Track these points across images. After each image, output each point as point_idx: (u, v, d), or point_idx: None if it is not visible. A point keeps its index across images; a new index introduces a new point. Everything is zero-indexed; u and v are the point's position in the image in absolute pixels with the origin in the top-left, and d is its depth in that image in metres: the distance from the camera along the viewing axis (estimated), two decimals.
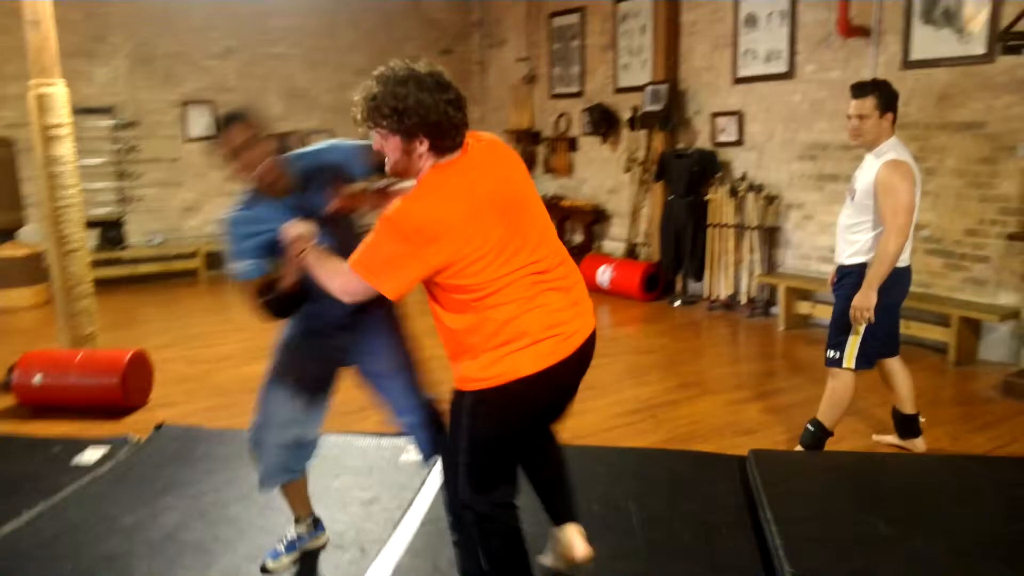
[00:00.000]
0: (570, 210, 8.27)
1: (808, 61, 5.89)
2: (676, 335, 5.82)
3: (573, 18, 8.24)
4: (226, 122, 2.27)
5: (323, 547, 2.81)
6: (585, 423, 4.02)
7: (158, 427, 3.93)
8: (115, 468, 3.49)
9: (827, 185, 5.84)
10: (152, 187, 8.39)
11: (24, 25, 4.60)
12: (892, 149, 3.22)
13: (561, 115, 8.48)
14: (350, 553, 2.78)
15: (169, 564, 2.74)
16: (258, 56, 8.83)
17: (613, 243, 7.92)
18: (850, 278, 3.31)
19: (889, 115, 3.23)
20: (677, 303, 6.67)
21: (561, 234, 8.40)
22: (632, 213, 7.50)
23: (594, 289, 7.02)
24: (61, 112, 4.66)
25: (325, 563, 2.74)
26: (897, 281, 3.26)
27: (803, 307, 5.80)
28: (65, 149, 4.69)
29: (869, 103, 3.21)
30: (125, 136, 8.19)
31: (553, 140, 8.60)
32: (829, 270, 5.78)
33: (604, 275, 7.02)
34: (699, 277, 6.68)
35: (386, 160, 2.01)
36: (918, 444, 3.57)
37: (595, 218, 8.03)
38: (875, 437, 3.74)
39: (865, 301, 3.18)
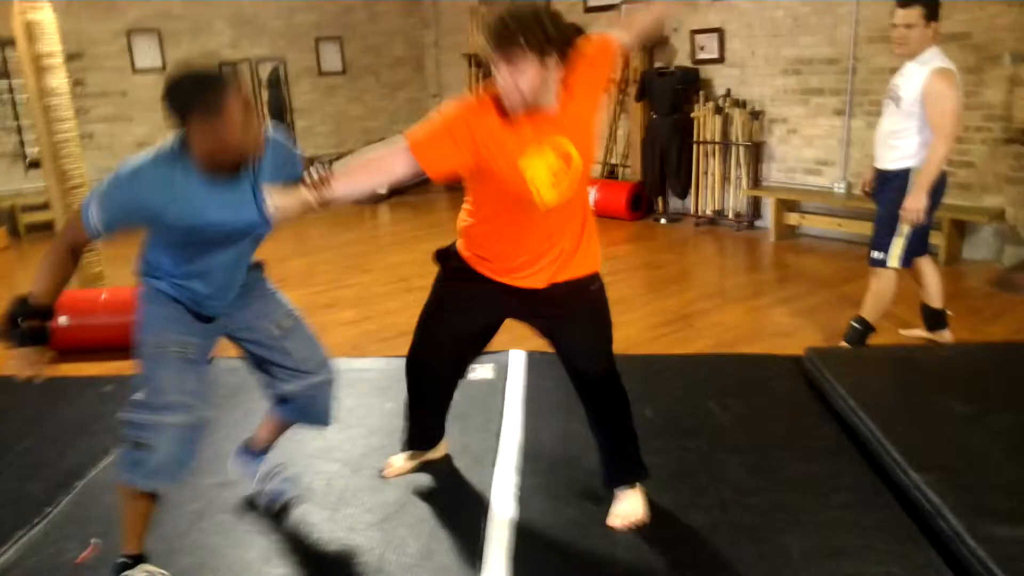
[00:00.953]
0: None
1: None
2: (675, 250, 6.02)
3: None
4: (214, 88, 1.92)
5: (441, 458, 2.87)
6: (626, 335, 4.17)
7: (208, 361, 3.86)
8: None
9: (812, 99, 6.05)
10: (101, 123, 7.94)
11: None
12: (936, 57, 3.38)
13: None
14: (465, 461, 2.87)
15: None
16: None
17: None
18: (895, 182, 3.51)
19: (933, 24, 3.38)
20: (663, 221, 6.85)
21: None
22: (608, 134, 7.57)
23: None
24: (51, 39, 4.37)
25: (447, 471, 2.81)
26: (939, 185, 3.48)
27: (792, 218, 6.07)
28: (59, 79, 4.42)
29: (915, 12, 3.35)
30: (70, 69, 7.65)
31: None
32: (816, 182, 6.11)
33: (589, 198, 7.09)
34: (684, 195, 6.85)
35: (512, 88, 2.01)
36: (946, 335, 3.87)
37: None
38: (902, 331, 4.02)
39: (917, 203, 3.39)
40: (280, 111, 8.96)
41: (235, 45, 8.65)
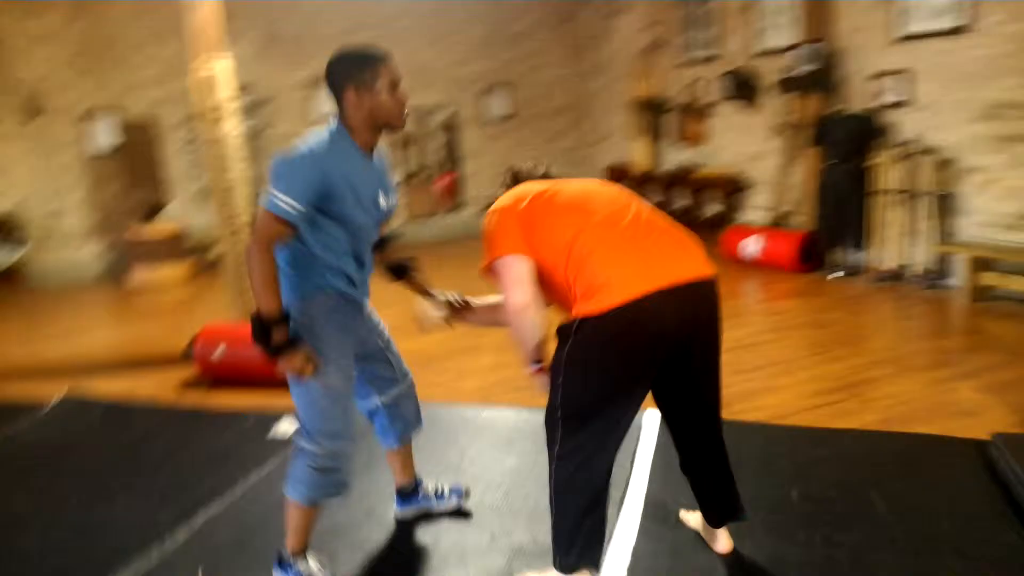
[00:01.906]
0: (706, 180, 7.95)
1: (991, 12, 5.40)
2: (848, 308, 5.48)
3: None
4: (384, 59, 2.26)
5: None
6: (780, 402, 3.80)
7: None
8: None
9: (1015, 147, 5.36)
10: None
11: (183, 7, 4.63)
12: None
13: (695, 81, 8.14)
14: None
15: (389, 533, 2.72)
16: (381, 33, 8.73)
17: (755, 212, 7.58)
18: None
19: None
20: (837, 275, 6.30)
21: (696, 205, 8.15)
22: (779, 181, 7.13)
23: (739, 262, 6.73)
24: (225, 91, 4.67)
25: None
26: None
27: (988, 278, 5.37)
28: (230, 128, 4.70)
29: None
30: (260, 114, 8.29)
31: (685, 108, 8.28)
32: (1019, 239, 5.38)
33: (752, 246, 6.70)
34: (860, 247, 6.29)
35: None
36: None
37: (734, 187, 7.70)
38: None
39: None
40: (452, 155, 9.25)
41: (409, 93, 8.99)
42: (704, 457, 2.36)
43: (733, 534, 2.50)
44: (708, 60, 7.96)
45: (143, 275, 7.33)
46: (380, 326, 2.57)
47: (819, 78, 6.42)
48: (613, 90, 9.47)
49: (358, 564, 2.55)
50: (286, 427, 3.61)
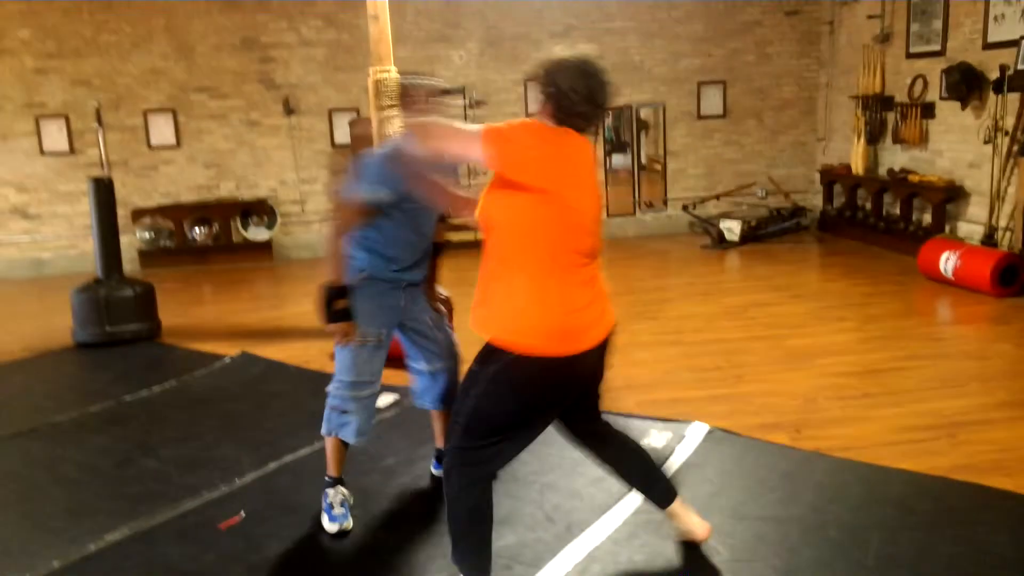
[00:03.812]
0: (919, 186, 7.26)
1: None
2: None
3: None
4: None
5: (530, 517, 2.90)
6: (863, 433, 3.58)
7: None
8: (399, 414, 3.94)
9: None
10: None
11: (367, 19, 5.29)
12: None
13: (917, 77, 7.43)
14: (557, 528, 2.84)
15: (414, 504, 3.10)
16: (595, 32, 9.02)
17: (970, 226, 6.80)
18: None
19: None
20: None
21: (907, 212, 7.43)
22: (995, 192, 6.35)
23: (935, 279, 6.13)
24: (393, 96, 5.27)
25: (531, 534, 2.82)
26: None
27: None
28: (396, 128, 5.29)
29: None
30: (476, 115, 8.99)
31: (905, 106, 7.59)
32: None
33: (947, 263, 6.06)
34: None
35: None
36: None
37: (948, 196, 6.95)
38: None
39: None
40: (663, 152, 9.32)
41: (619, 90, 9.18)
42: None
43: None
44: (934, 54, 7.22)
45: None
46: (429, 310, 3.06)
47: None
48: (840, 84, 8.88)
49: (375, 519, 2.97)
50: (383, 400, 4.12)
